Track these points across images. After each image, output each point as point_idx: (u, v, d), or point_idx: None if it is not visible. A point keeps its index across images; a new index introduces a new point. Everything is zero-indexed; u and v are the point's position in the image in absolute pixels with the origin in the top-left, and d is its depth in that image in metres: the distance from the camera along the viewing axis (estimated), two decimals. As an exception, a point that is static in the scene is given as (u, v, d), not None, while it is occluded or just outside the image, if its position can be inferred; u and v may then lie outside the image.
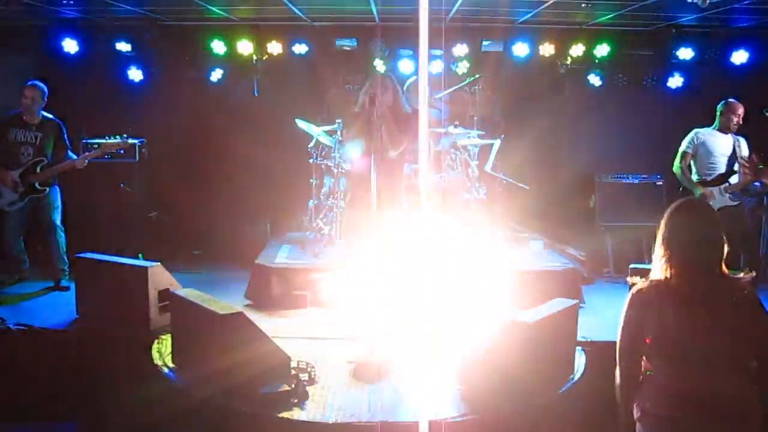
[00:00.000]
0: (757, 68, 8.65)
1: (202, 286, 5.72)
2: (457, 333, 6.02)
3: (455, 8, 7.67)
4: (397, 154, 5.73)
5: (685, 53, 8.61)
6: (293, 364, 4.90)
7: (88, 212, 8.42)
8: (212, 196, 9.23)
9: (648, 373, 3.15)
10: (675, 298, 3.03)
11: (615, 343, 5.56)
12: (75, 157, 7.28)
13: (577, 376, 5.09)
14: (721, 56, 8.73)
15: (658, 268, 3.14)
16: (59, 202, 7.32)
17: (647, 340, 3.08)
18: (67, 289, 7.16)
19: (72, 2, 7.55)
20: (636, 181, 8.77)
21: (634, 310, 3.15)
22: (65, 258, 7.31)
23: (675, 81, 8.85)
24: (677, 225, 3.11)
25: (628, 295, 3.20)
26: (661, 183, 8.72)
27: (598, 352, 5.48)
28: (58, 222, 7.29)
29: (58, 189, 7.34)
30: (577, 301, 5.50)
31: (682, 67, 8.78)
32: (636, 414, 3.19)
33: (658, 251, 3.15)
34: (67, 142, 7.34)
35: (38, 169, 7.10)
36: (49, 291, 7.23)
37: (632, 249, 8.59)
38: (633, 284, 3.23)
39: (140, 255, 7.57)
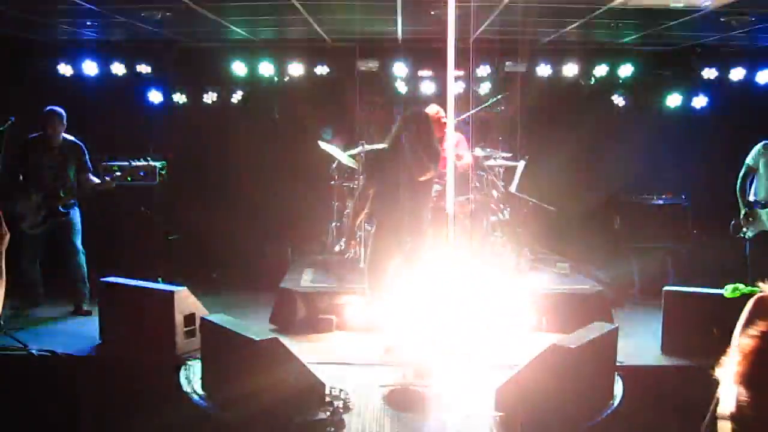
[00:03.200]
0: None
1: (222, 310, 5.64)
2: (493, 358, 5.91)
3: (480, 29, 7.61)
4: (424, 180, 5.72)
5: (710, 73, 8.53)
6: (327, 391, 4.80)
7: (108, 235, 8.36)
8: (232, 218, 9.16)
9: None
10: None
11: (651, 367, 5.52)
12: (96, 179, 7.22)
13: (617, 401, 4.95)
14: (746, 76, 8.64)
15: None
16: (80, 225, 7.23)
17: None
18: (89, 313, 7.02)
19: (94, 24, 7.52)
20: (661, 202, 8.66)
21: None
22: (86, 282, 7.21)
23: (700, 101, 8.76)
24: None
25: (748, 309, 2.81)
26: (686, 204, 8.60)
27: (633, 377, 5.37)
28: (80, 245, 7.20)
29: (79, 212, 7.26)
30: (617, 325, 5.37)
31: (707, 86, 8.70)
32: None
33: None
34: (89, 164, 7.28)
35: (62, 193, 7.04)
36: (71, 316, 7.11)
37: (658, 271, 8.47)
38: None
39: (160, 279, 7.46)
